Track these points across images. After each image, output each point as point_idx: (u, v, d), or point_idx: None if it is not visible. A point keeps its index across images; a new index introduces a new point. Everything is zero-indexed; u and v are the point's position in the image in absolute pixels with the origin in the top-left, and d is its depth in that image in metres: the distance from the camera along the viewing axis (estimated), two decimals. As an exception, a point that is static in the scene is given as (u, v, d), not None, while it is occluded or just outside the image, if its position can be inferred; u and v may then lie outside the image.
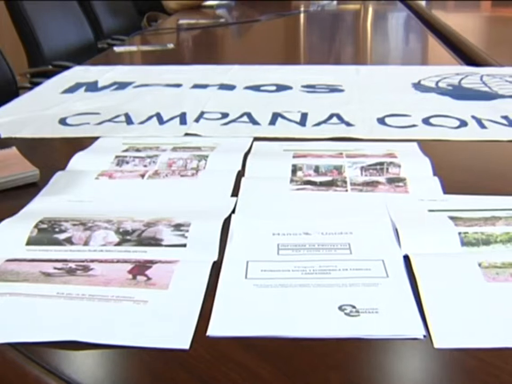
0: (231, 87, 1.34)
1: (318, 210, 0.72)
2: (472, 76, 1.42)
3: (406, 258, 0.61)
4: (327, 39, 2.43)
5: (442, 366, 0.48)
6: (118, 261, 0.61)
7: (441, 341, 0.49)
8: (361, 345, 0.50)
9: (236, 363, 0.49)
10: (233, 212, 0.72)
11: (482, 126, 1.04)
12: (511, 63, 1.59)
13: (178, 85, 1.37)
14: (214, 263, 0.61)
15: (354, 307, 0.54)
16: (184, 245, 0.64)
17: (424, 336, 0.50)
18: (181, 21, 2.59)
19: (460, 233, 0.64)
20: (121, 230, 0.65)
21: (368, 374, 0.47)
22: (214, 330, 0.52)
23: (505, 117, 1.08)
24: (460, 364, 0.48)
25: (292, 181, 0.79)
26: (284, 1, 3.37)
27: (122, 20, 2.80)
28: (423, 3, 3.57)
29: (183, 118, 1.10)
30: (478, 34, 2.37)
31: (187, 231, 0.65)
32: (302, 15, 3.04)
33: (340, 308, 0.54)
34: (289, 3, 3.40)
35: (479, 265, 0.58)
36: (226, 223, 0.68)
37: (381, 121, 1.07)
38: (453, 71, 1.47)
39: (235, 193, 0.78)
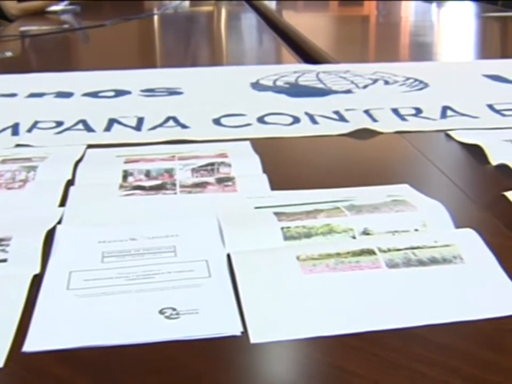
0: (68, 95, 1.31)
1: (145, 215, 0.72)
2: (309, 74, 1.46)
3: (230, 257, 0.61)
4: (181, 41, 2.42)
5: (258, 360, 0.49)
6: None
7: (257, 336, 0.50)
8: (181, 347, 0.50)
9: (52, 377, 0.47)
10: (59, 222, 0.70)
11: (314, 121, 1.07)
12: (347, 60, 1.65)
13: (13, 95, 1.32)
14: (35, 276, 0.60)
15: (174, 309, 0.54)
16: (5, 260, 0.61)
17: (242, 332, 0.51)
18: (23, 28, 2.51)
19: (282, 228, 0.65)
20: None
21: (188, 375, 0.48)
22: (30, 345, 0.50)
23: (337, 112, 1.12)
24: (276, 356, 0.50)
25: (121, 187, 0.79)
26: (137, 1, 3.34)
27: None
28: (273, 3, 3.64)
29: (15, 129, 1.06)
30: (321, 33, 2.44)
31: (8, 245, 0.63)
32: (155, 17, 3.02)
33: (161, 312, 0.53)
34: (141, 4, 3.38)
35: (297, 258, 0.59)
36: (52, 234, 0.67)
37: (217, 121, 1.08)
38: (291, 70, 1.50)
39: (63, 203, 0.76)
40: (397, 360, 0.48)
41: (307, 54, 1.86)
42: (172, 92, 1.31)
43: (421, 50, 2.07)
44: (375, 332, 0.51)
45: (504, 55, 1.98)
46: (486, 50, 2.16)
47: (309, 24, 2.72)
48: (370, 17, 3.25)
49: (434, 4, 3.35)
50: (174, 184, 0.78)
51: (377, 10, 3.37)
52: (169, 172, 0.83)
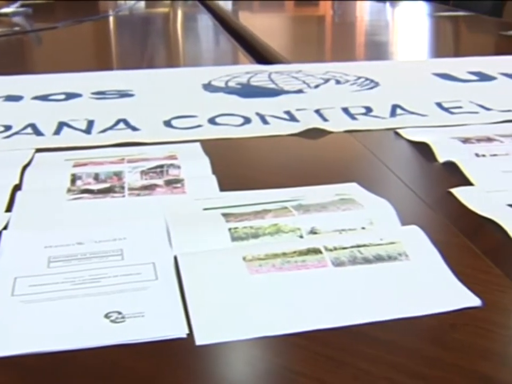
0: (17, 98, 1.29)
1: (93, 219, 0.72)
2: (261, 74, 1.46)
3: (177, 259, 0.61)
4: (136, 43, 2.40)
5: (204, 362, 0.49)
6: None
7: (202, 338, 0.50)
8: (126, 351, 0.50)
9: (-5, 385, 0.47)
10: (5, 227, 0.69)
11: (265, 122, 1.08)
12: (300, 60, 1.66)
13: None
14: (-21, 283, 0.59)
15: (120, 313, 0.53)
16: None
17: (188, 334, 0.51)
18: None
19: (230, 229, 0.65)
20: None
21: (134, 379, 0.47)
22: (-28, 353, 0.49)
23: (288, 112, 1.13)
24: (222, 357, 0.50)
25: (69, 190, 0.78)
26: (92, 1, 3.31)
27: None
28: (229, 4, 3.64)
29: (-38, 135, 1.05)
30: (275, 34, 2.44)
31: (-48, 251, 0.62)
32: (110, 19, 2.99)
33: (106, 316, 0.53)
34: (96, 5, 3.35)
35: (244, 258, 0.59)
36: (-2, 240, 0.66)
37: (168, 123, 1.07)
38: (244, 70, 1.51)
39: (10, 208, 0.75)
40: (341, 358, 0.49)
41: (260, 55, 1.87)
42: (123, 95, 1.30)
43: (374, 50, 2.10)
44: (321, 331, 0.52)
45: (453, 54, 2.01)
46: (437, 49, 2.19)
47: (263, 25, 2.73)
48: (326, 17, 3.27)
49: (387, 4, 3.39)
50: (123, 187, 0.78)
51: (332, 10, 3.40)
52: (118, 175, 0.82)
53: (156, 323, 0.52)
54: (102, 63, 1.96)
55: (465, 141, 0.93)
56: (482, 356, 0.49)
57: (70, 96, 1.30)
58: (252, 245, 0.63)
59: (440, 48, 2.21)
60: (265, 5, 3.60)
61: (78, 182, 0.81)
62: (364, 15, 3.29)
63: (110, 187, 0.78)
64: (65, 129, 1.06)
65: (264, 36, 2.12)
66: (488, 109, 1.14)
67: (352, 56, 1.92)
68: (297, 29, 2.76)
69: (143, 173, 0.82)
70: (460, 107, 1.16)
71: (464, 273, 0.59)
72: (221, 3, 3.46)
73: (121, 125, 1.07)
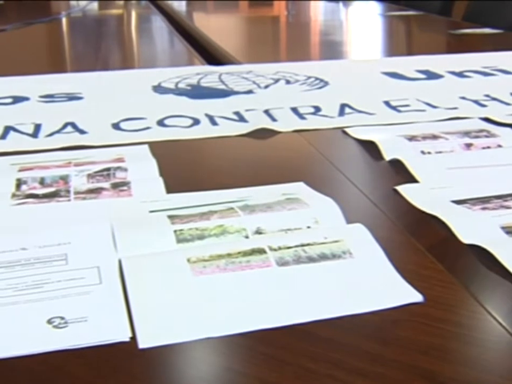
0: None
1: (37, 224, 0.71)
2: (211, 75, 1.46)
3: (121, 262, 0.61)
4: (88, 45, 2.38)
5: (148, 365, 0.49)
6: None
7: (145, 341, 0.50)
8: (69, 356, 0.49)
9: None
10: None
11: (214, 123, 1.08)
12: (252, 61, 1.67)
13: None
14: None
15: (63, 318, 0.53)
16: None
17: (131, 338, 0.51)
18: None
19: (175, 231, 0.65)
20: None
21: (78, 383, 0.47)
22: None
23: (237, 113, 1.13)
24: (165, 360, 0.49)
25: (13, 196, 0.77)
26: (44, 1, 3.26)
27: None
28: (183, 4, 3.63)
29: None
30: (228, 35, 2.44)
31: None
32: (63, 20, 2.96)
33: (49, 321, 0.53)
34: (48, 6, 3.31)
35: (188, 260, 0.59)
36: None
37: (116, 126, 1.07)
38: (194, 72, 1.50)
39: (-48, 215, 0.74)
40: (284, 357, 0.49)
41: (212, 56, 1.87)
42: (72, 97, 1.29)
43: (327, 50, 2.11)
44: (264, 330, 0.52)
45: (403, 53, 2.03)
46: (387, 48, 2.22)
47: (217, 26, 2.73)
48: (280, 18, 3.28)
49: (341, 4, 3.41)
50: (68, 191, 0.77)
51: (286, 10, 3.41)
52: (64, 179, 0.81)
53: (98, 327, 0.52)
54: (53, 66, 1.94)
55: (411, 138, 0.94)
56: (423, 351, 0.49)
57: (17, 99, 1.29)
58: (197, 246, 0.63)
59: (391, 47, 2.24)
60: (219, 5, 3.60)
61: (23, 187, 0.80)
62: (318, 15, 3.31)
63: (56, 191, 0.77)
64: (11, 133, 1.05)
65: (216, 37, 2.12)
66: (434, 107, 1.16)
67: (304, 56, 1.93)
68: (251, 29, 2.76)
69: (90, 176, 0.82)
70: (407, 105, 1.17)
71: (407, 270, 0.60)
72: (175, 3, 3.45)
73: (69, 128, 1.06)
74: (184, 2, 3.74)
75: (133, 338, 0.51)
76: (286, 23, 3.03)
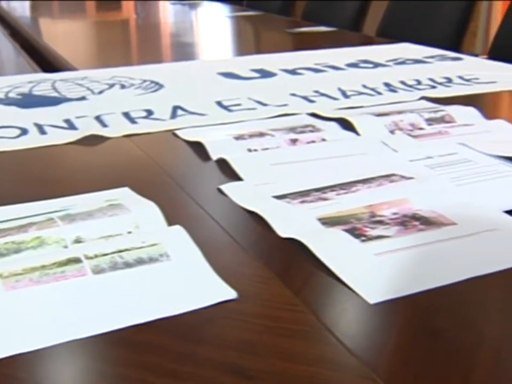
0: None
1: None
2: (45, 83, 1.42)
3: None
4: None
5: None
6: None
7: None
8: None
9: None
10: None
11: (43, 132, 1.05)
12: (89, 66, 1.64)
13: None
14: None
15: None
16: None
17: None
18: None
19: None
20: None
21: None
22: None
23: (67, 120, 1.10)
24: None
25: None
26: None
27: None
28: (26, 5, 3.52)
29: None
30: (69, 40, 2.38)
31: None
32: None
33: None
34: None
35: (0, 276, 0.58)
36: None
37: None
38: (26, 80, 1.46)
39: None
40: (101, 366, 0.49)
41: (49, 63, 1.82)
42: None
43: (168, 52, 2.11)
44: (80, 340, 0.51)
45: (240, 53, 2.06)
46: (226, 48, 2.24)
47: (59, 31, 2.66)
48: (129, 21, 3.24)
49: (187, 6, 3.42)
50: None
51: (135, 13, 3.38)
52: None
53: None
54: None
55: (239, 137, 0.96)
56: (234, 346, 0.50)
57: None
58: (14, 260, 0.61)
59: (229, 47, 2.27)
60: (65, 4, 3.52)
61: None
62: (167, 17, 3.30)
63: None
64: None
65: (56, 42, 2.08)
66: (265, 105, 1.18)
67: (144, 59, 1.92)
68: (98, 34, 2.72)
69: None
70: (239, 104, 1.19)
71: (226, 268, 0.61)
72: (17, 6, 3.34)
73: None
74: (27, 3, 3.62)
75: None
76: (136, 26, 3.00)
